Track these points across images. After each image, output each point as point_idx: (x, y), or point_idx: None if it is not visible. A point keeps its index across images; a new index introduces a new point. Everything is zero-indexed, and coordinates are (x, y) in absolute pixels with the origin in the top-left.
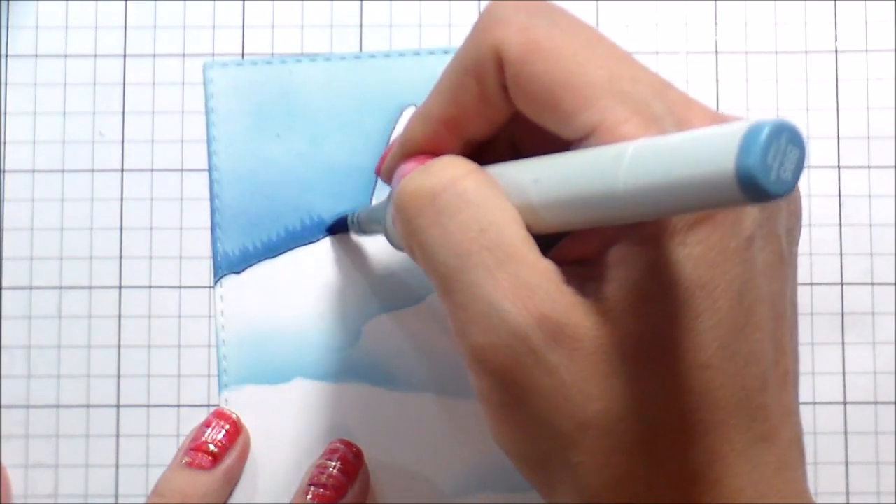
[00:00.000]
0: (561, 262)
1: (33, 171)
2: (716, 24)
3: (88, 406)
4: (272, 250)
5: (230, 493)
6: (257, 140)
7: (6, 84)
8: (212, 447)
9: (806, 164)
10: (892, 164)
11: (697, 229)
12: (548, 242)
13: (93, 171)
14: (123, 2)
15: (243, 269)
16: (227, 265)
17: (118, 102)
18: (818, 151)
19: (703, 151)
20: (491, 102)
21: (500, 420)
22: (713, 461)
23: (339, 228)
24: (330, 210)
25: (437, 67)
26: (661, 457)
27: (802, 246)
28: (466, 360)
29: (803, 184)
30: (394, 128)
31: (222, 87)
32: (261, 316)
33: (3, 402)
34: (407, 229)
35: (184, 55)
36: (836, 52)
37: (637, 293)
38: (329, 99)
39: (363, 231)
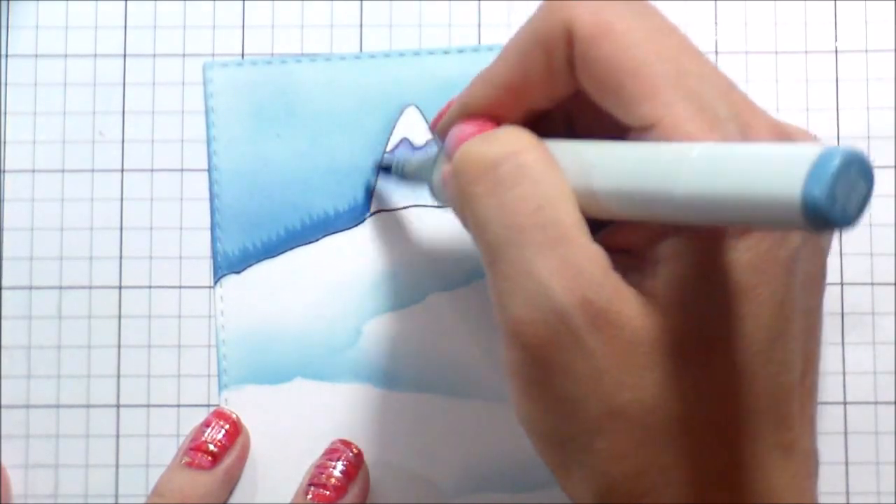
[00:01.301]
0: (605, 249)
1: (33, 171)
2: (716, 24)
3: (88, 406)
4: (272, 250)
5: (230, 493)
6: (257, 140)
7: (6, 84)
8: (211, 447)
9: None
10: (892, 164)
11: (749, 235)
12: (592, 228)
13: (93, 171)
14: (123, 2)
15: (243, 269)
16: (227, 265)
17: (118, 102)
18: None
19: (770, 172)
20: (556, 76)
21: (527, 396)
22: (734, 464)
23: (386, 169)
24: (330, 210)
25: (438, 67)
26: (685, 454)
27: None
28: (502, 331)
29: None
30: (394, 127)
31: (222, 86)
32: (261, 316)
33: (3, 402)
34: (463, 195)
35: (184, 55)
36: (836, 52)
37: (684, 290)
38: (329, 99)
39: (405, 178)
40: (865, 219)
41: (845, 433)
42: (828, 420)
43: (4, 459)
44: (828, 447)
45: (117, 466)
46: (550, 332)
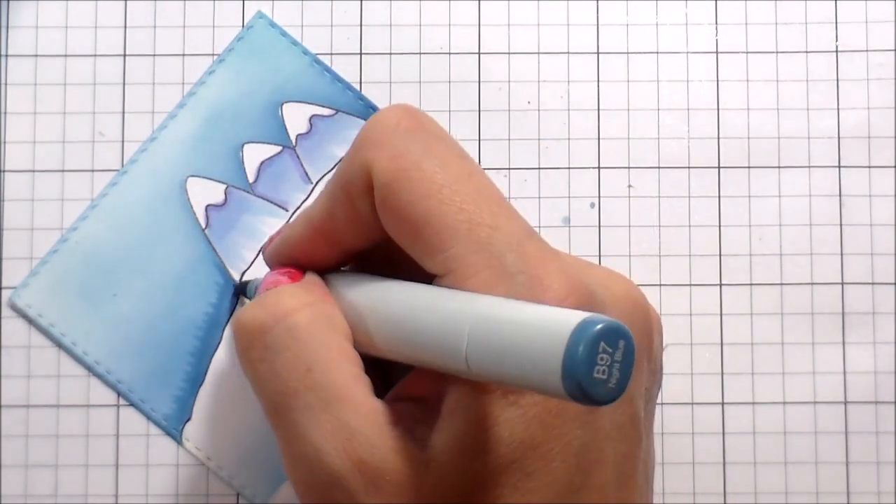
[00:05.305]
0: (401, 398)
1: (33, 171)
2: (716, 24)
3: (88, 406)
4: (197, 380)
5: None
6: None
7: (6, 84)
8: None
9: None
10: (892, 164)
11: (534, 392)
12: (398, 373)
13: (93, 171)
14: (123, 2)
15: (190, 414)
16: (177, 420)
17: (118, 102)
18: (818, 151)
19: (534, 352)
20: (362, 221)
21: None
22: None
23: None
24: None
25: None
26: None
27: (803, 246)
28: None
29: (804, 184)
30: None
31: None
32: (244, 421)
33: (3, 402)
34: (240, 360)
35: (184, 55)
36: (837, 52)
37: (463, 446)
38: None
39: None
40: (865, 219)
41: (845, 433)
42: (828, 420)
43: (4, 459)
44: (828, 447)
45: (117, 466)
46: (330, 498)
